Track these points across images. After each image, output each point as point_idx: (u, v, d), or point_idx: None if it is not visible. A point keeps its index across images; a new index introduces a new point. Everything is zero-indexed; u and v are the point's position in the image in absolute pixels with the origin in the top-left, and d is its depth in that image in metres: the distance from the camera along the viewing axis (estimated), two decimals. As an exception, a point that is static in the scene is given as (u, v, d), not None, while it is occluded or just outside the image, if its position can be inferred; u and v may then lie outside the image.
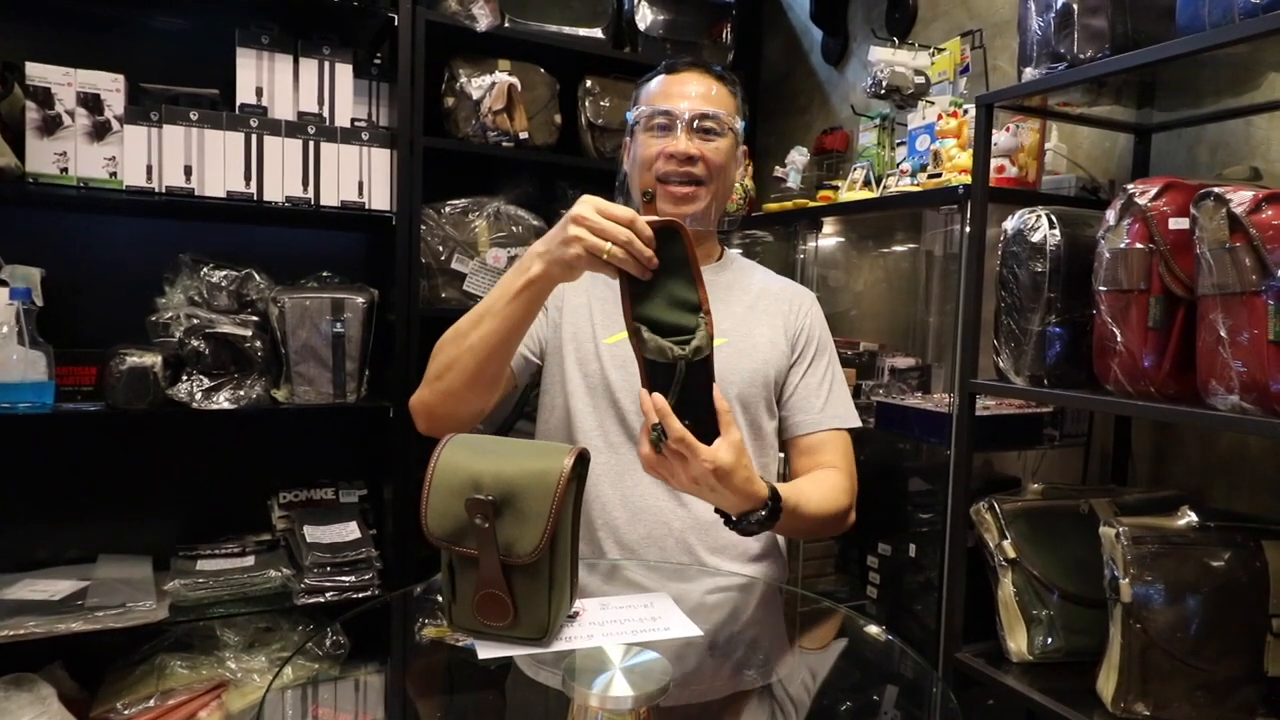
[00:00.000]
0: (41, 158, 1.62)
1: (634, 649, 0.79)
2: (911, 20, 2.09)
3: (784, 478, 1.37)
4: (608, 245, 0.92)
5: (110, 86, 1.67)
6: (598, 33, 2.16)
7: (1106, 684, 1.12)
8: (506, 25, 2.04)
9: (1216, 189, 0.99)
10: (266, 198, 1.79)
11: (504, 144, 2.03)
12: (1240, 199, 0.95)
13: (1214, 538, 1.11)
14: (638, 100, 1.29)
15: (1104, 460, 1.59)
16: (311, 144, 1.82)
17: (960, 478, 1.36)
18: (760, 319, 1.29)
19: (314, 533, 1.88)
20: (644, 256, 0.91)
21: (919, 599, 1.70)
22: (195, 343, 1.72)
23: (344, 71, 1.89)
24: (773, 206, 2.03)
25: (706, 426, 0.93)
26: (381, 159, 1.89)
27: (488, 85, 1.99)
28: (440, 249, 2.00)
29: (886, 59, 1.73)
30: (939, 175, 1.58)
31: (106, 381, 1.66)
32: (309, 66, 1.86)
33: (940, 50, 1.77)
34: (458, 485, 0.83)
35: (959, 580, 1.36)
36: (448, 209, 2.03)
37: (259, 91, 1.82)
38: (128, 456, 1.95)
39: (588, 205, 0.95)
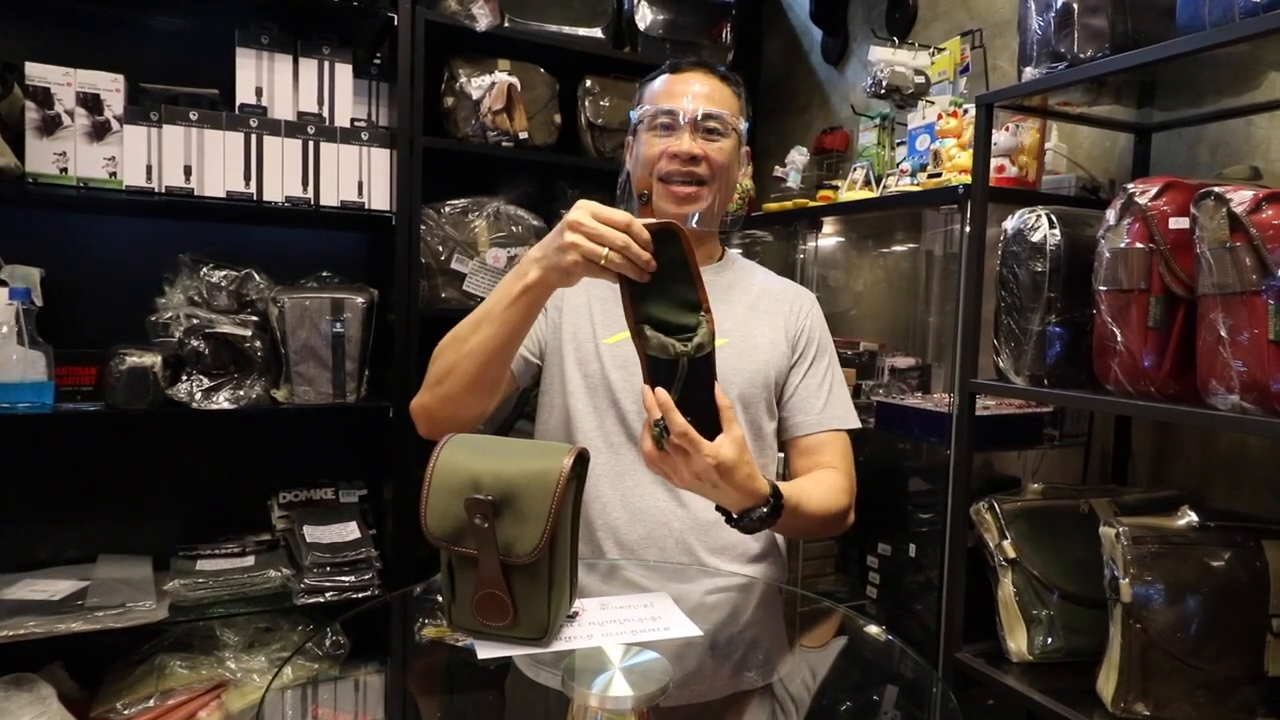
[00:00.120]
0: (41, 158, 1.62)
1: (634, 649, 0.79)
2: (911, 20, 2.09)
3: (783, 478, 1.37)
4: (604, 251, 0.92)
5: (110, 86, 1.67)
6: (597, 32, 2.16)
7: (1106, 684, 1.12)
8: (506, 25, 2.04)
9: (1217, 188, 0.98)
10: (266, 198, 1.79)
11: (504, 144, 2.03)
12: (1240, 198, 0.95)
13: (1214, 538, 1.11)
14: (641, 99, 1.29)
15: (1104, 460, 1.59)
16: (311, 144, 1.82)
17: (960, 478, 1.36)
18: (761, 319, 1.29)
19: (314, 533, 1.88)
20: (641, 260, 0.91)
21: (919, 599, 1.69)
22: (195, 343, 1.72)
23: (344, 71, 1.89)
24: (773, 206, 2.03)
25: (708, 423, 0.93)
26: (381, 159, 1.89)
27: (487, 85, 1.99)
28: (440, 249, 2.00)
29: (886, 59, 1.73)
30: (939, 175, 1.58)
31: (106, 381, 1.66)
32: (309, 66, 1.85)
33: (940, 50, 1.77)
34: (457, 485, 0.82)
35: (959, 580, 1.36)
36: (447, 209, 2.03)
37: (259, 91, 1.82)
38: (128, 456, 1.95)
39: (584, 210, 0.95)
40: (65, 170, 1.64)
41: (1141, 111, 1.47)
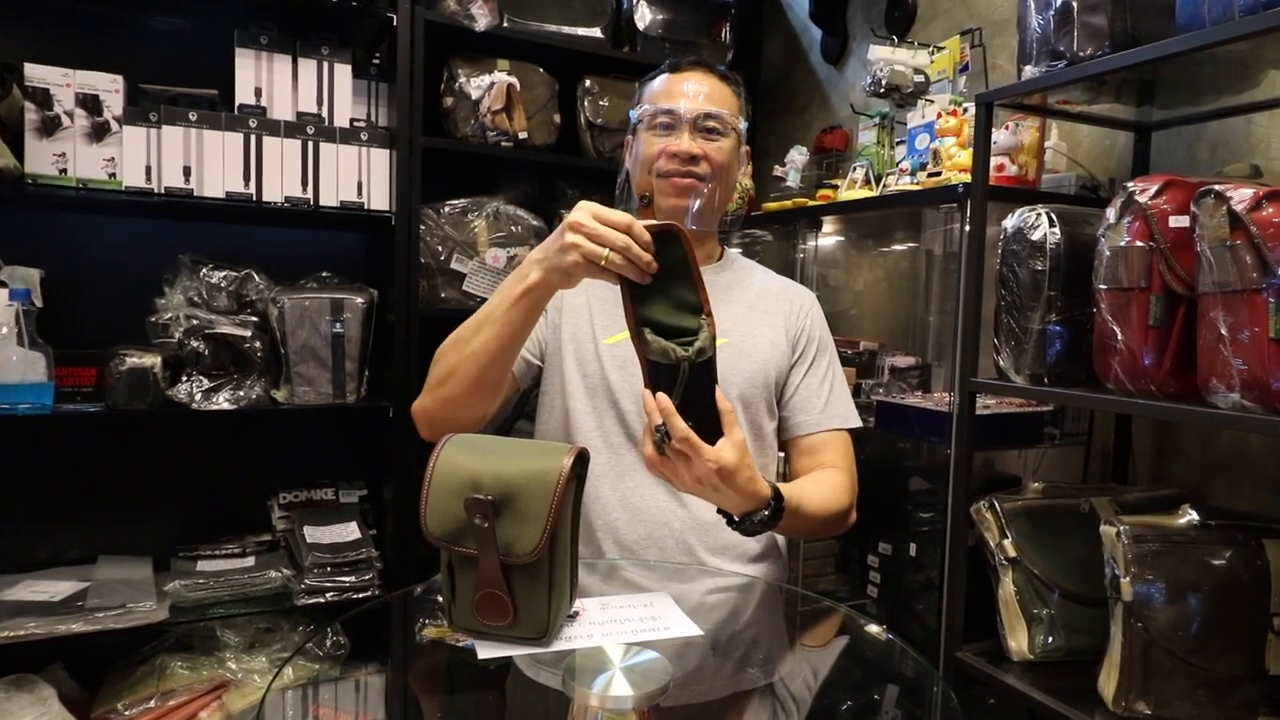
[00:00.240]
0: (40, 159, 1.62)
1: (634, 649, 0.79)
2: (911, 19, 2.09)
3: (784, 478, 1.37)
4: (605, 251, 0.91)
5: (109, 87, 1.66)
6: (597, 32, 2.16)
7: (1107, 683, 1.12)
8: (505, 25, 2.04)
9: (1217, 186, 0.98)
10: (266, 198, 1.79)
11: (503, 144, 2.03)
12: (1241, 196, 0.95)
13: (1215, 536, 1.11)
14: (640, 99, 1.28)
15: (1104, 459, 1.59)
16: (310, 144, 1.82)
17: (960, 477, 1.36)
18: (761, 319, 1.29)
19: (314, 533, 1.88)
20: (642, 261, 0.91)
21: (919, 598, 1.69)
22: (195, 343, 1.72)
23: (343, 71, 1.89)
24: (772, 206, 2.03)
25: (709, 427, 0.93)
26: (381, 159, 1.89)
27: (487, 85, 1.99)
28: (439, 249, 2.00)
29: (886, 58, 1.73)
30: (939, 174, 1.58)
31: (106, 382, 1.66)
32: (308, 67, 1.85)
33: (940, 49, 1.77)
34: (457, 485, 0.82)
35: (959, 579, 1.35)
36: (447, 209, 2.03)
37: (258, 92, 1.81)
38: (128, 457, 1.94)
39: (584, 211, 0.95)
40: (65, 171, 1.64)
41: (1141, 110, 1.46)
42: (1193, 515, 1.13)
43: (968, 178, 1.44)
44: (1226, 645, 1.08)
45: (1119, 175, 1.59)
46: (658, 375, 0.92)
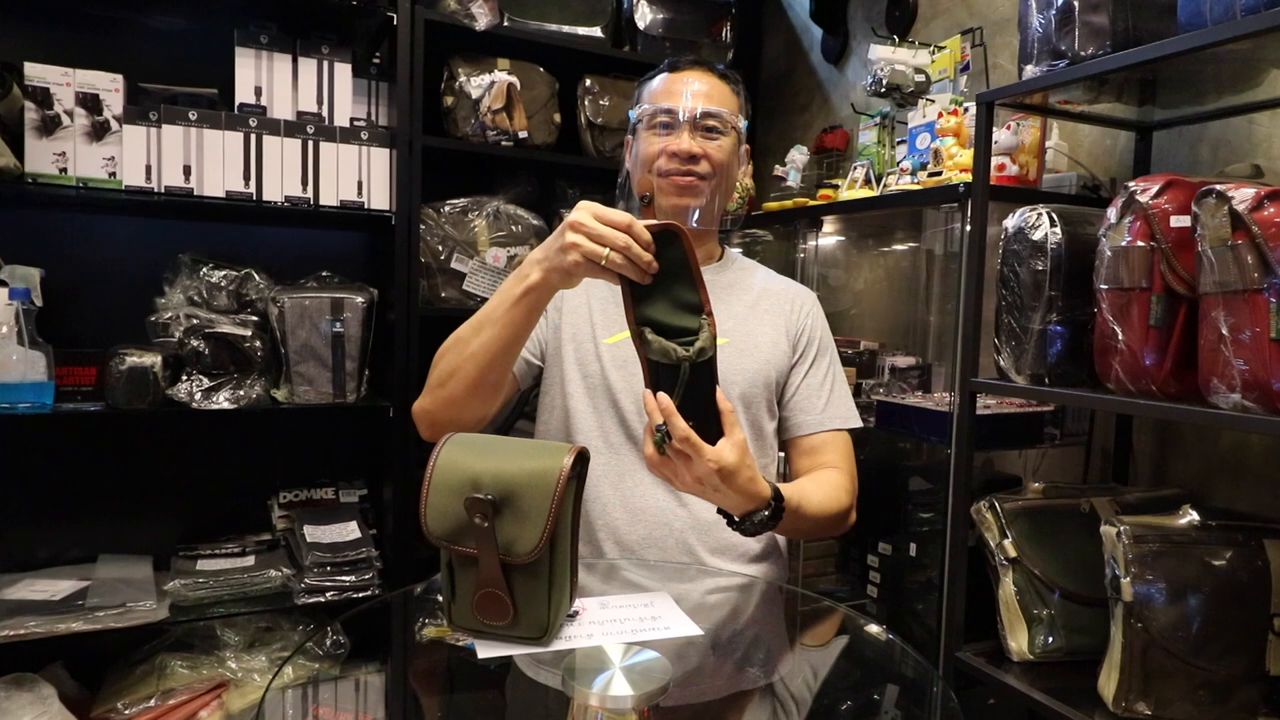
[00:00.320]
0: (40, 158, 1.62)
1: (634, 648, 0.79)
2: (912, 18, 2.09)
3: (784, 478, 1.37)
4: (606, 251, 0.91)
5: (109, 86, 1.66)
6: (597, 31, 2.16)
7: (1108, 683, 1.12)
8: (505, 24, 2.04)
9: (1218, 186, 0.98)
10: (266, 197, 1.79)
11: (503, 143, 2.03)
12: (1242, 196, 0.95)
13: (1215, 537, 1.11)
14: (640, 98, 1.28)
15: (1105, 459, 1.59)
16: (310, 143, 1.82)
17: (961, 477, 1.35)
18: (762, 319, 1.29)
19: (314, 532, 1.88)
20: (643, 261, 0.91)
21: (919, 598, 1.69)
22: (195, 343, 1.72)
23: (343, 71, 1.89)
24: (773, 205, 2.03)
25: (710, 427, 0.93)
26: (381, 158, 1.89)
27: (487, 84, 1.99)
28: (440, 248, 2.00)
29: (887, 57, 1.73)
30: (939, 174, 1.57)
31: (106, 381, 1.66)
32: (308, 66, 1.85)
33: (940, 48, 1.77)
34: (457, 484, 0.82)
35: (959, 579, 1.35)
36: (447, 208, 2.03)
37: (258, 91, 1.81)
38: (128, 456, 1.94)
39: (585, 211, 0.95)
40: (65, 170, 1.64)
41: (1142, 109, 1.46)
42: (1193, 515, 1.13)
43: (968, 177, 1.44)
44: (1227, 646, 1.08)
45: (1120, 175, 1.59)
46: (658, 375, 0.92)
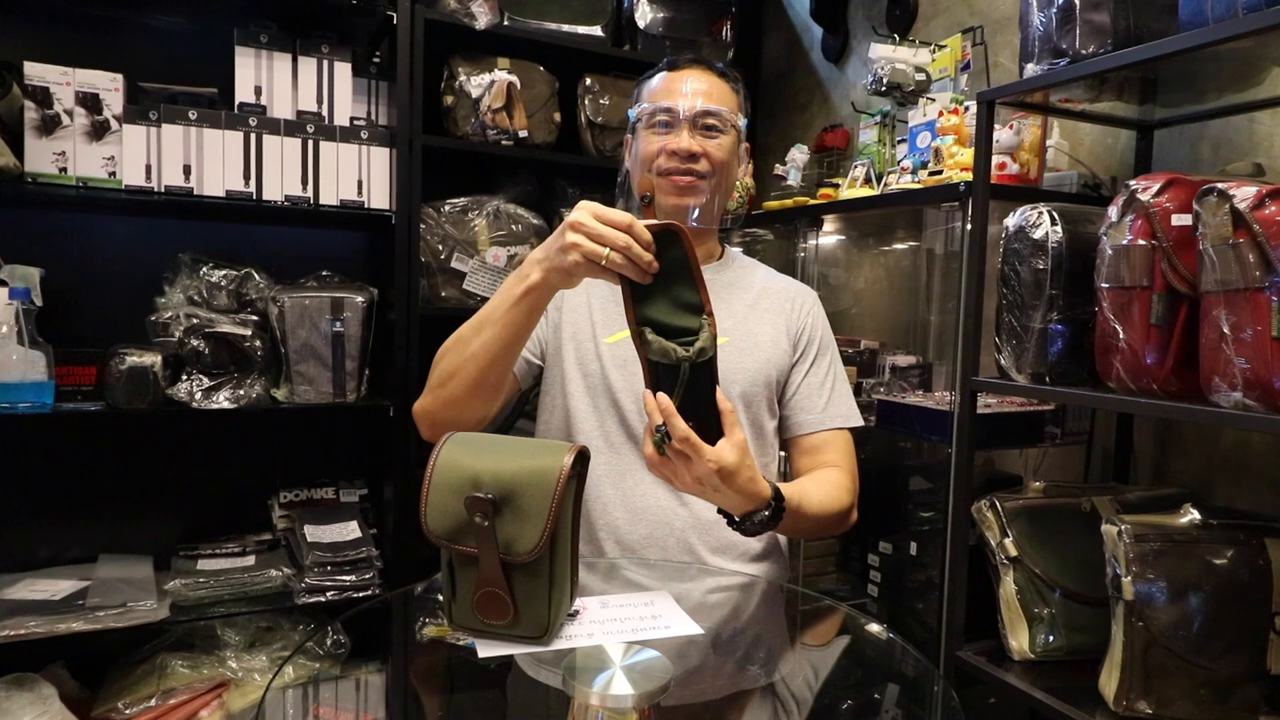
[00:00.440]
0: (40, 157, 1.62)
1: (634, 647, 0.79)
2: (912, 17, 2.09)
3: (785, 477, 1.37)
4: (606, 251, 0.91)
5: (109, 86, 1.66)
6: (597, 30, 2.16)
7: (1109, 682, 1.12)
8: (506, 23, 2.04)
9: (1219, 185, 0.98)
10: (266, 197, 1.79)
11: (503, 142, 2.03)
12: (1243, 195, 0.95)
13: (1216, 535, 1.11)
14: (639, 97, 1.28)
15: (1106, 458, 1.59)
16: (310, 143, 1.82)
17: (961, 476, 1.35)
18: (762, 318, 1.29)
19: (314, 532, 1.88)
20: (643, 261, 0.90)
21: (920, 597, 1.69)
22: (195, 342, 1.72)
23: (343, 70, 1.89)
24: (773, 204, 2.02)
25: (710, 427, 0.93)
26: (381, 158, 1.89)
27: (487, 83, 1.99)
28: (440, 248, 2.00)
29: (887, 56, 1.73)
30: (940, 172, 1.57)
31: (106, 381, 1.66)
32: (308, 65, 1.85)
33: (941, 47, 1.76)
34: (457, 483, 0.82)
35: (960, 578, 1.35)
36: (447, 208, 2.03)
37: (258, 90, 1.81)
38: (128, 456, 1.94)
39: (585, 211, 0.95)
40: (64, 170, 1.64)
41: (1144, 108, 1.46)
42: (1194, 514, 1.13)
43: (969, 176, 1.44)
44: (1228, 645, 1.08)
45: (1121, 174, 1.59)
46: (658, 375, 0.92)
